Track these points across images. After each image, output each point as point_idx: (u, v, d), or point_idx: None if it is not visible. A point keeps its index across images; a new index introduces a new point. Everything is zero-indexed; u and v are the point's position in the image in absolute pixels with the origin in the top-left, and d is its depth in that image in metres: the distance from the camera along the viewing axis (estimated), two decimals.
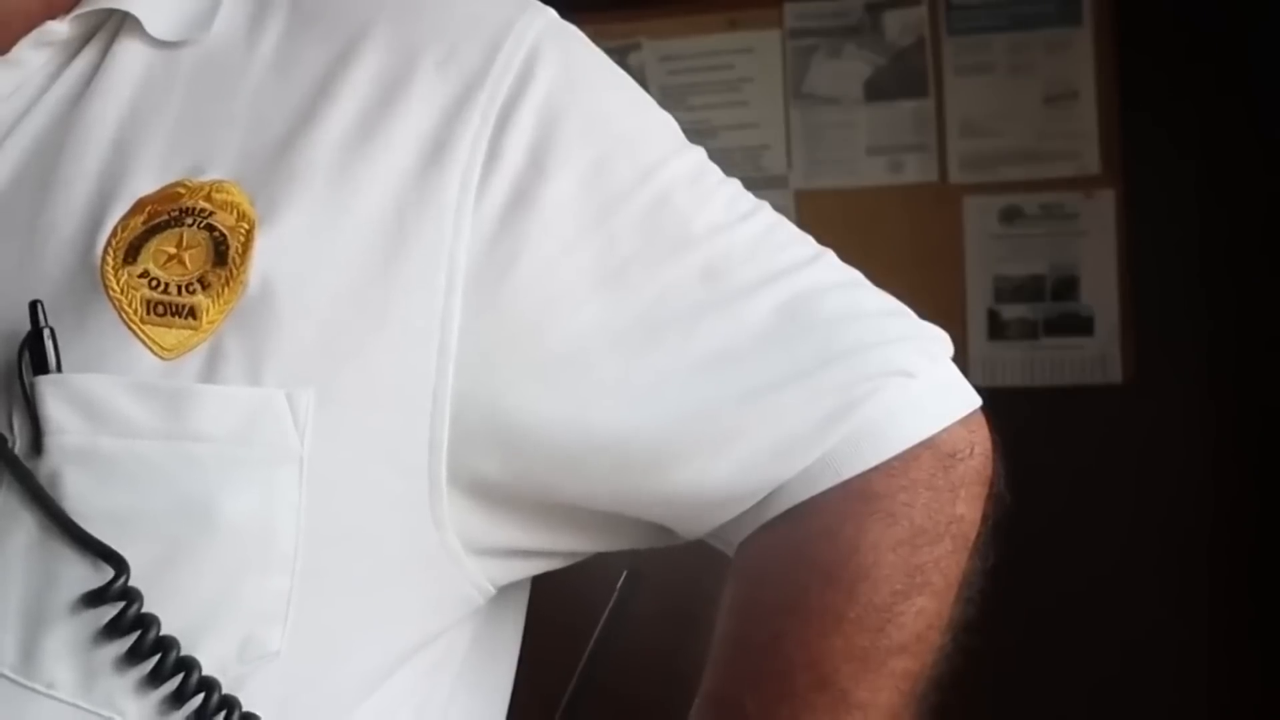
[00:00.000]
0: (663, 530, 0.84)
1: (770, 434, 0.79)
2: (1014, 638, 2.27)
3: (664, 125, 0.83)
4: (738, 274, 0.79)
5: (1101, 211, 2.66)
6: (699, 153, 0.83)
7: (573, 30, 0.81)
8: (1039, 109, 2.69)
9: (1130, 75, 2.64)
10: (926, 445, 0.81)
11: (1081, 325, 2.67)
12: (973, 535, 0.84)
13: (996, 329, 2.69)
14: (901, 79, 2.75)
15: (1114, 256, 2.66)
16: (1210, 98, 2.57)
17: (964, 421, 0.83)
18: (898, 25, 2.75)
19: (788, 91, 2.80)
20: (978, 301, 2.68)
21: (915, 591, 0.81)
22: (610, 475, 0.79)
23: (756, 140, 2.79)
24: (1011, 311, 2.68)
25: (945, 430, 0.82)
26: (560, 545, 0.83)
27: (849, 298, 0.83)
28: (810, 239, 0.84)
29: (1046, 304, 2.68)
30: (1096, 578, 2.60)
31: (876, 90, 2.76)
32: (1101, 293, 2.66)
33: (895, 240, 2.69)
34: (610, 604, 1.58)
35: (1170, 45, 2.60)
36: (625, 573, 1.56)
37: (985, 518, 0.85)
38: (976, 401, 0.85)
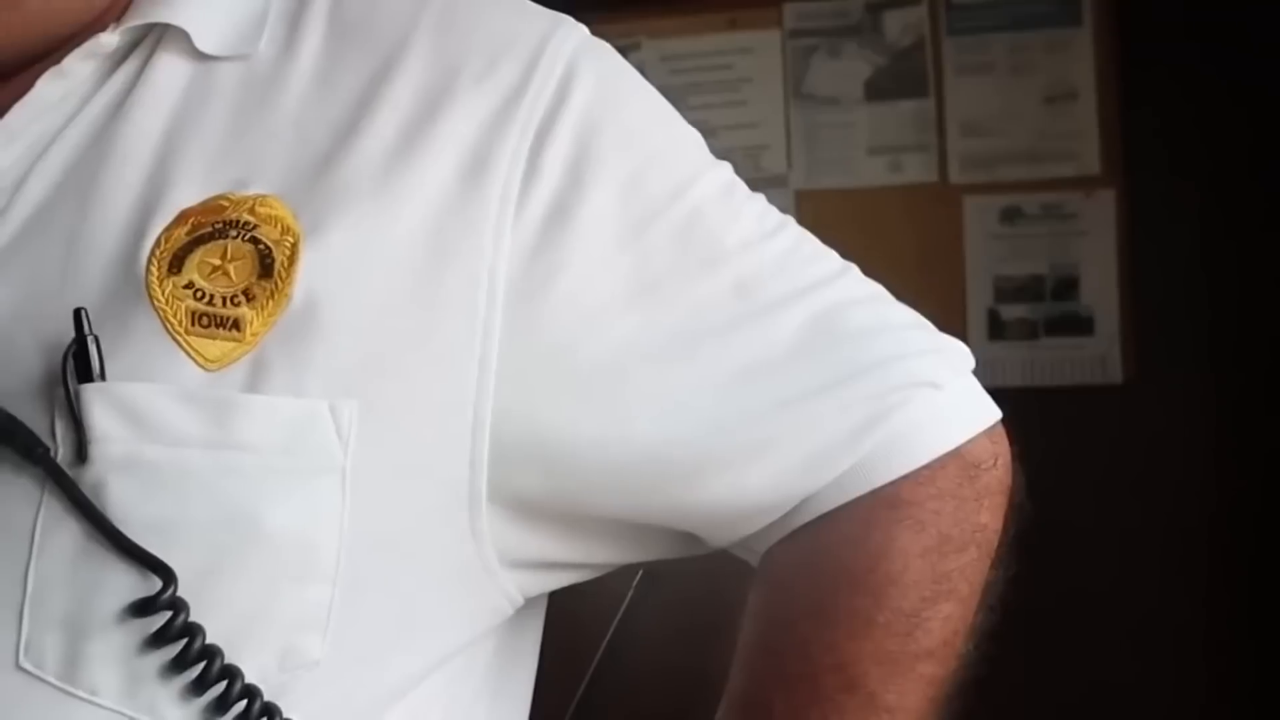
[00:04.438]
0: (692, 540, 0.85)
1: (803, 444, 0.80)
2: (1014, 636, 2.26)
3: (694, 141, 0.84)
4: (769, 288, 0.81)
5: (1101, 211, 2.67)
6: (727, 168, 0.84)
7: (605, 46, 0.82)
8: (1039, 109, 2.69)
9: (1130, 75, 2.64)
10: (953, 455, 0.83)
11: (1081, 325, 2.68)
12: (995, 544, 0.85)
13: (996, 329, 2.70)
14: (901, 79, 2.75)
15: (1114, 256, 2.66)
16: (1210, 97, 2.58)
17: (988, 433, 0.85)
18: (898, 25, 2.75)
19: (788, 91, 2.80)
20: (978, 301, 2.69)
21: (942, 598, 0.83)
22: (647, 487, 0.80)
23: (756, 140, 2.80)
24: (1011, 311, 2.69)
25: (971, 441, 0.83)
26: (593, 557, 0.84)
27: (875, 311, 0.84)
28: (834, 253, 0.85)
29: (1046, 304, 2.68)
30: (1096, 578, 2.60)
31: (876, 90, 2.77)
32: (1101, 293, 2.67)
33: (895, 240, 2.69)
34: (624, 604, 1.58)
35: (1170, 45, 2.60)
36: (640, 573, 1.57)
37: (1007, 527, 0.86)
38: (998, 414, 0.86)
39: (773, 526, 0.83)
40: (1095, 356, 2.67)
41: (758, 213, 0.83)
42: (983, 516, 0.84)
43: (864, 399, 0.81)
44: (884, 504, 0.81)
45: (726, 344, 0.79)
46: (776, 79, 2.81)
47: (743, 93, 2.82)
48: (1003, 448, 0.86)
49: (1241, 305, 2.59)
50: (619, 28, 2.76)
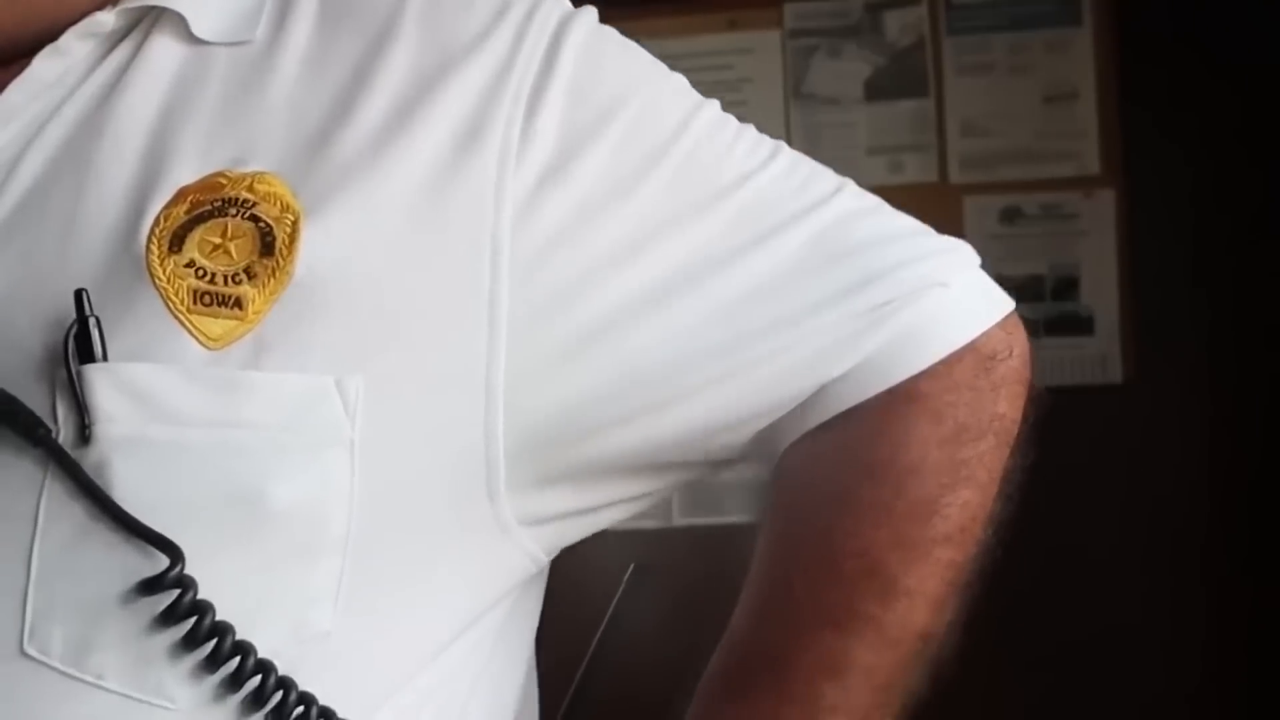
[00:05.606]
0: (705, 463, 0.86)
1: (810, 346, 0.82)
2: (1011, 635, 2.27)
3: (680, 86, 0.86)
4: (768, 216, 0.82)
5: (1101, 211, 2.67)
6: (714, 105, 0.85)
7: (589, 10, 0.84)
8: (1039, 109, 2.69)
9: (1130, 75, 2.64)
10: (968, 348, 0.84)
11: (1081, 325, 2.67)
12: (1014, 432, 0.87)
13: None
14: (901, 79, 2.75)
15: (1114, 256, 2.66)
16: (1210, 98, 2.58)
17: (1001, 324, 0.86)
18: (898, 25, 2.75)
19: (788, 91, 2.80)
20: None
21: (960, 485, 0.84)
22: (660, 417, 0.81)
23: None
24: None
25: (985, 333, 0.85)
26: (611, 496, 0.85)
27: (876, 223, 0.86)
28: (830, 171, 0.87)
29: (1046, 304, 2.68)
30: (1094, 577, 2.60)
31: (876, 90, 2.77)
32: (1101, 293, 2.67)
33: None
34: (617, 596, 1.58)
35: (1170, 45, 2.60)
36: (632, 567, 1.57)
37: (1025, 416, 0.87)
38: (1010, 304, 0.88)
39: (786, 422, 0.84)
40: (1095, 356, 2.67)
41: (750, 144, 0.84)
42: (1000, 406, 0.85)
43: (872, 307, 0.82)
44: (900, 398, 0.83)
45: (732, 273, 0.80)
46: (776, 79, 2.81)
47: (743, 93, 2.82)
48: (1018, 337, 0.87)
49: (1241, 305, 2.59)
50: (618, 28, 2.75)
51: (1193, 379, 2.60)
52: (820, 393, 0.83)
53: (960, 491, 0.84)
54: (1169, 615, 2.58)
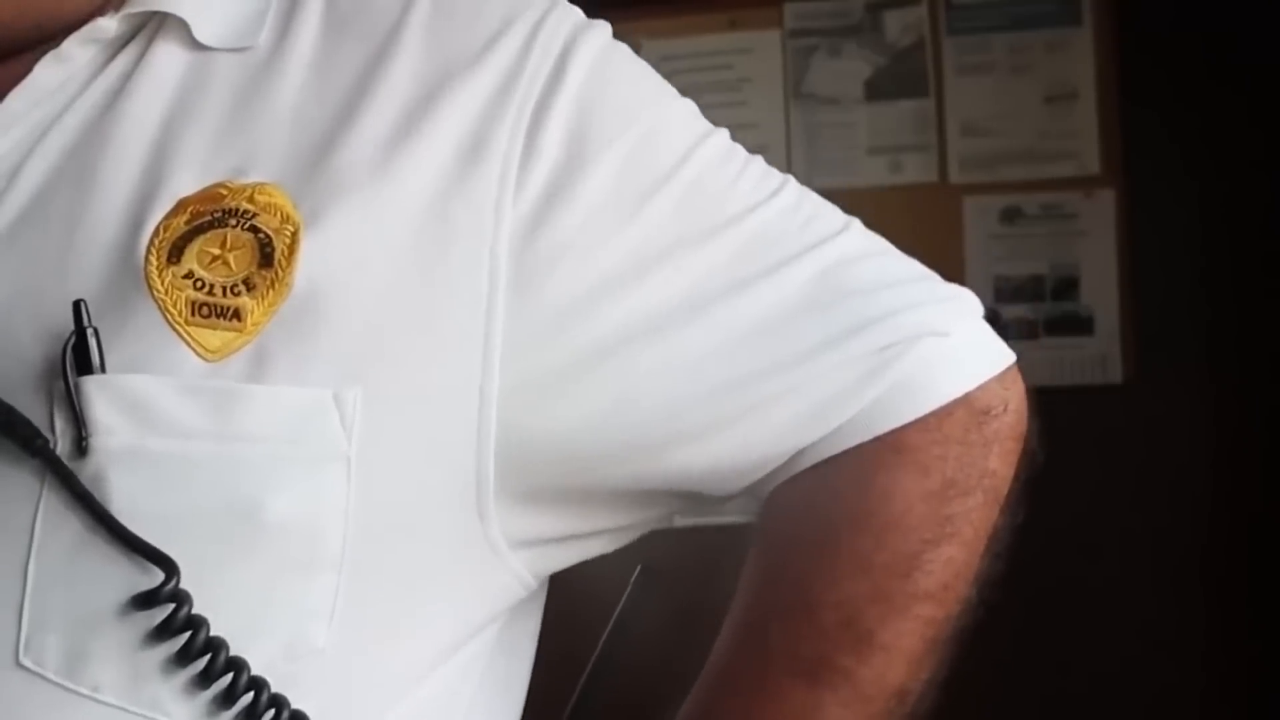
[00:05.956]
0: (693, 498, 0.85)
1: (808, 397, 0.81)
2: (1011, 635, 2.27)
3: (690, 112, 0.84)
4: (773, 250, 0.81)
5: (1101, 211, 2.67)
6: (723, 134, 0.84)
7: (602, 25, 0.82)
8: (1039, 109, 2.69)
9: (1130, 75, 2.64)
10: (960, 402, 0.82)
11: (1081, 325, 2.68)
12: (1005, 490, 0.85)
13: (996, 329, 2.69)
14: (901, 79, 2.75)
15: (1114, 256, 2.66)
16: (1210, 98, 2.58)
17: (999, 378, 0.85)
18: (898, 25, 2.75)
19: (788, 91, 2.80)
20: None
21: (944, 541, 0.83)
22: (654, 455, 0.80)
23: (756, 140, 2.76)
24: (1011, 311, 2.68)
25: (980, 387, 0.83)
26: (600, 525, 0.84)
27: (879, 266, 0.84)
28: (836, 209, 0.86)
29: (1046, 304, 2.68)
30: (1095, 577, 2.60)
31: (876, 90, 2.77)
32: (1101, 293, 2.67)
33: (895, 240, 2.64)
34: (623, 599, 1.58)
35: (1170, 45, 2.60)
36: (639, 568, 1.56)
37: (1018, 475, 0.86)
38: (1011, 358, 0.86)
39: (776, 472, 0.83)
40: (1095, 356, 2.67)
41: (757, 176, 0.83)
42: (991, 462, 0.84)
43: (869, 352, 0.81)
44: (888, 449, 0.81)
45: (732, 308, 0.79)
46: (776, 79, 2.81)
47: (743, 93, 2.82)
48: (1015, 392, 0.85)
49: (1241, 305, 2.59)
50: (619, 28, 2.74)
51: (1193, 379, 2.60)
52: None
53: (944, 548, 0.82)
54: (1170, 617, 2.58)
